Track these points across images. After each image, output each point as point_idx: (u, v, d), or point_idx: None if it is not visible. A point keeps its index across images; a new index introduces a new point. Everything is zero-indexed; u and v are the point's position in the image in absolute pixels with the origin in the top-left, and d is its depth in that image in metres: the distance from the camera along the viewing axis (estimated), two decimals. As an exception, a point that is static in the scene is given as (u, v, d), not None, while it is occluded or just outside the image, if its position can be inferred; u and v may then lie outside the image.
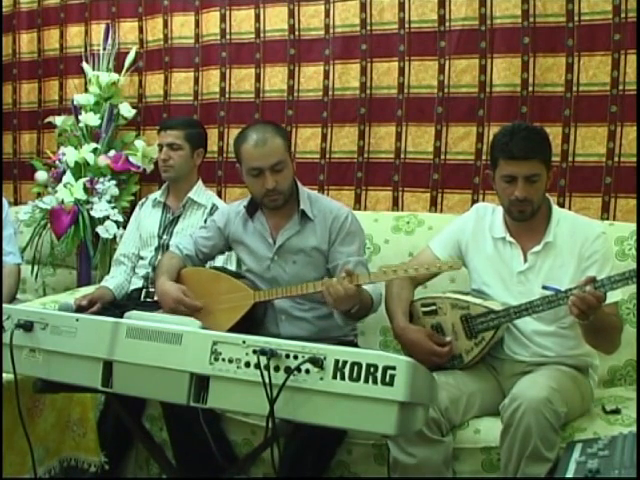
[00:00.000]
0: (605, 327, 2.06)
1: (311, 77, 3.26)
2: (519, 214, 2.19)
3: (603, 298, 1.96)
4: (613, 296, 2.07)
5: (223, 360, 1.54)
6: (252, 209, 2.48)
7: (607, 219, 2.73)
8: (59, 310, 2.50)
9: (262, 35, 3.34)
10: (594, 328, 2.03)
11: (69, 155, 3.39)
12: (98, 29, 3.66)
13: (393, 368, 1.41)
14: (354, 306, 2.17)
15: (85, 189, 3.32)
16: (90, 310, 2.70)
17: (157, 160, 3.13)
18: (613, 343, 2.17)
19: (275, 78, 3.33)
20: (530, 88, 2.87)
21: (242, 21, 3.36)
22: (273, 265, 2.44)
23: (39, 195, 3.56)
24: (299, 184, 2.47)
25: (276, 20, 3.30)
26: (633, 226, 2.50)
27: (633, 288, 2.17)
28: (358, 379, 1.43)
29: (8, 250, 2.98)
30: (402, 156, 3.11)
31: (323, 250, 2.41)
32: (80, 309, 2.66)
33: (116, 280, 2.98)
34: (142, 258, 3.01)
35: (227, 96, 3.43)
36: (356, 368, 1.44)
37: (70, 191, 3.31)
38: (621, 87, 2.74)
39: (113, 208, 3.29)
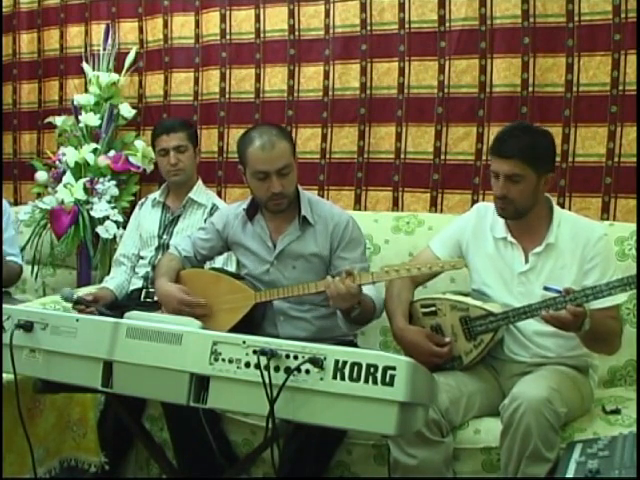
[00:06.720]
0: (601, 334, 2.06)
1: (311, 77, 3.26)
2: (500, 211, 2.20)
3: (584, 312, 1.95)
4: (615, 299, 2.06)
5: (223, 360, 1.54)
6: (252, 211, 2.47)
7: (607, 219, 2.73)
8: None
9: (262, 35, 3.33)
10: (590, 337, 2.03)
11: (69, 155, 3.39)
12: (98, 29, 3.66)
13: (393, 368, 1.41)
14: (354, 309, 2.16)
15: (85, 189, 3.32)
16: (88, 310, 2.55)
17: (157, 163, 3.11)
18: (612, 347, 2.17)
19: (275, 78, 3.32)
20: (530, 88, 2.87)
21: (242, 21, 3.36)
22: (272, 269, 2.43)
23: (39, 195, 3.56)
24: (299, 187, 2.46)
25: (276, 20, 3.29)
26: (633, 226, 2.49)
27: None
28: (358, 379, 1.43)
29: (10, 252, 2.98)
30: (402, 156, 3.11)
31: (324, 257, 2.40)
32: (80, 303, 2.51)
33: (116, 280, 2.98)
34: (142, 258, 3.00)
35: (227, 96, 3.43)
36: (356, 368, 1.43)
37: (70, 191, 3.31)
38: (621, 87, 2.73)
39: (113, 208, 3.29)
